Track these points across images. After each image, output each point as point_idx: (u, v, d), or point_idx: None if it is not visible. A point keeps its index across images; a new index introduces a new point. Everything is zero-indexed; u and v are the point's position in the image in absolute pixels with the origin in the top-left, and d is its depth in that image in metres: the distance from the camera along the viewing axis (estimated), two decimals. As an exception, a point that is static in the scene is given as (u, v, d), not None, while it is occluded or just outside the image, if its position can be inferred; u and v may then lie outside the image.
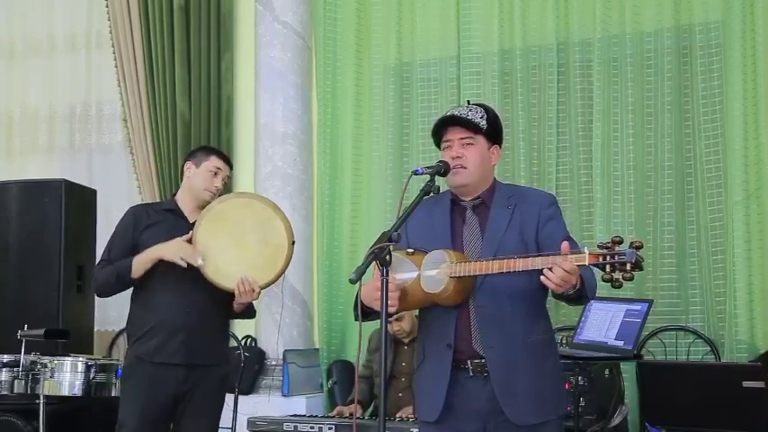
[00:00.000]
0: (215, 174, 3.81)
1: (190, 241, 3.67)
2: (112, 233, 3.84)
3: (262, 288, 3.68)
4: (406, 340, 4.45)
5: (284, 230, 3.69)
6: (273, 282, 3.76)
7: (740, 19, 4.51)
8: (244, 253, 3.66)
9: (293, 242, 3.71)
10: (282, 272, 3.74)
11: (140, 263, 3.67)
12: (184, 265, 3.61)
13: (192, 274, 3.64)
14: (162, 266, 3.67)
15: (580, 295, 2.61)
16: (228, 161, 3.93)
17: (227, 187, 4.05)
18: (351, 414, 4.17)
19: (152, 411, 3.65)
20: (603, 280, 2.50)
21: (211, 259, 3.64)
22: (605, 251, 2.47)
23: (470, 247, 2.77)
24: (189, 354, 3.67)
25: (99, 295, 3.95)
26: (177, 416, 3.72)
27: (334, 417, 4.30)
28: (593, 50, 4.84)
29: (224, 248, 3.65)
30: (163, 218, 3.80)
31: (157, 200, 5.53)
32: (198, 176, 3.82)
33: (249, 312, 3.90)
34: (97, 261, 3.95)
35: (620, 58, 4.81)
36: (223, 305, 3.74)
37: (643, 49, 4.81)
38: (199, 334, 3.69)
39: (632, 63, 4.79)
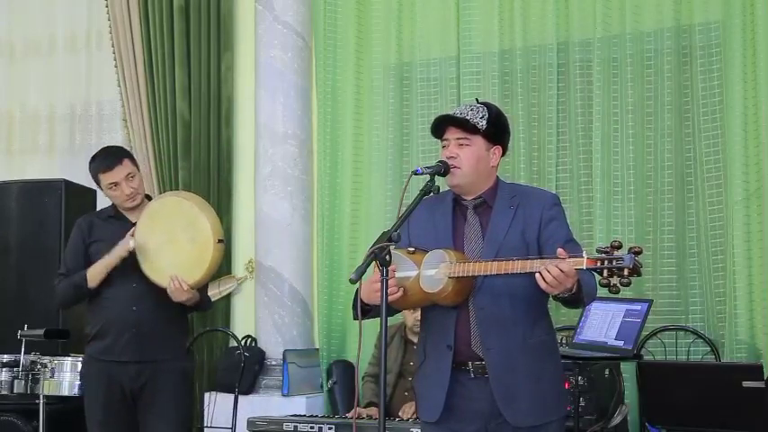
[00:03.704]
0: (115, 187, 3.82)
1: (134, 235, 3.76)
2: (66, 247, 3.96)
3: (192, 287, 3.74)
4: (416, 339, 4.44)
5: (210, 229, 3.75)
6: (204, 280, 3.83)
7: (740, 19, 4.50)
8: (176, 251, 3.74)
9: (220, 240, 3.77)
10: (211, 270, 3.80)
11: (94, 276, 3.77)
12: (126, 254, 3.71)
13: (139, 272, 3.74)
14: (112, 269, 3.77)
15: (576, 299, 2.61)
16: (115, 158, 3.83)
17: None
18: (368, 416, 4.16)
19: (112, 407, 3.76)
20: (601, 285, 2.51)
21: (149, 257, 3.73)
22: (603, 256, 2.47)
23: (471, 247, 2.77)
24: (139, 350, 3.76)
25: (61, 307, 4.04)
26: (140, 415, 3.80)
27: (339, 417, 4.29)
28: (593, 50, 4.82)
29: (159, 246, 3.74)
30: (106, 230, 3.87)
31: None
32: (109, 197, 3.89)
33: (203, 305, 3.98)
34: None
35: (620, 58, 4.79)
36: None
37: (643, 49, 4.80)
38: (148, 330, 3.78)
39: (632, 63, 4.78)
